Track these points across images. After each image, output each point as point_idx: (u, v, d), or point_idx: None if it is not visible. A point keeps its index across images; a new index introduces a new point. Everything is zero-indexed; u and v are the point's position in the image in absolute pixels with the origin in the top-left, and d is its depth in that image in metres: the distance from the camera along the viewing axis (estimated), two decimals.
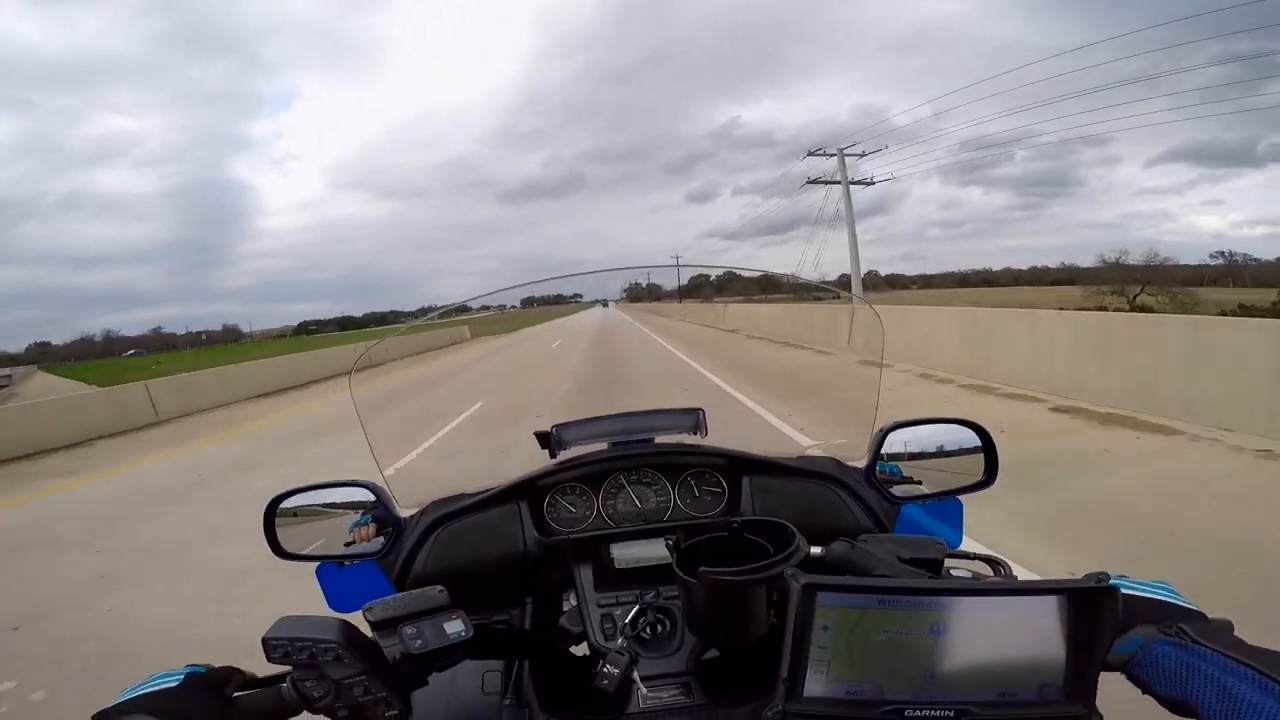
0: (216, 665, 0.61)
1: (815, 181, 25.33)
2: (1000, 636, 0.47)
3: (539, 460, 1.06)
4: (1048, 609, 0.46)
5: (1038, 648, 0.47)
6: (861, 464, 1.00)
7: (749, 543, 0.71)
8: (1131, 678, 0.49)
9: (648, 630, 0.87)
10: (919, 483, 0.99)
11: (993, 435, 0.96)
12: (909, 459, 0.99)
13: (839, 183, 24.53)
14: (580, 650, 0.92)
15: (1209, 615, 0.52)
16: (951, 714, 0.47)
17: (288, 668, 0.62)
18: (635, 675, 0.78)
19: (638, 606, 0.88)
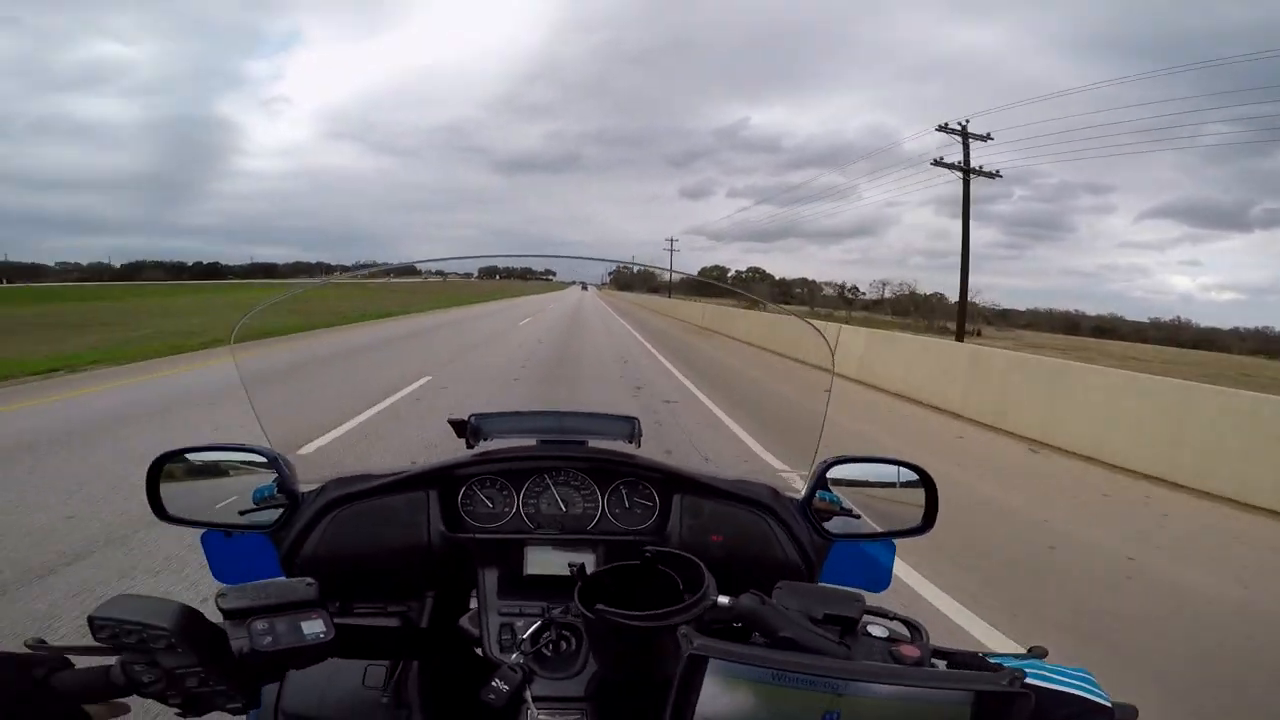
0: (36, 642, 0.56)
1: (941, 164, 22.08)
2: None
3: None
4: (954, 704, 0.42)
5: None
6: (799, 494, 0.96)
7: (661, 575, 0.66)
8: None
9: (549, 647, 0.80)
10: (858, 516, 0.96)
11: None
12: (850, 486, 0.96)
13: (963, 169, 21.61)
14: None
15: (1117, 703, 0.52)
16: None
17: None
18: (527, 694, 0.72)
19: (540, 620, 0.82)
